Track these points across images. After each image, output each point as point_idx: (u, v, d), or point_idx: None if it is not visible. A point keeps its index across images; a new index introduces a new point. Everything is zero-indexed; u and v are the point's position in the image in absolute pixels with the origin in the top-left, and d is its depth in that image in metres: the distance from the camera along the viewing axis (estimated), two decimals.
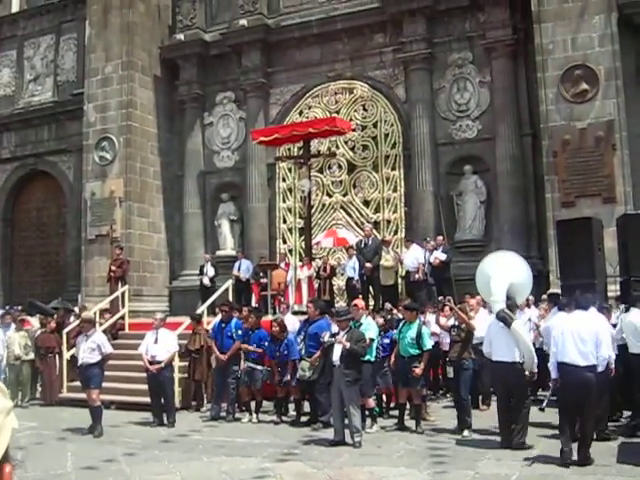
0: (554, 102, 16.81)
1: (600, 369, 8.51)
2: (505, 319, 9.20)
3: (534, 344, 13.40)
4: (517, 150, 18.59)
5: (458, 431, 10.41)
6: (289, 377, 11.94)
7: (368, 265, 16.30)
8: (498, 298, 9.91)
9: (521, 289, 10.49)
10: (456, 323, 11.22)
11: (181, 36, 22.91)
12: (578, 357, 8.35)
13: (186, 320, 14.90)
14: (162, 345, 12.17)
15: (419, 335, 10.89)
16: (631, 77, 17.31)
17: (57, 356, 15.20)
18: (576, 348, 8.38)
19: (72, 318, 16.53)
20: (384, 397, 12.54)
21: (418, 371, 10.69)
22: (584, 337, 8.39)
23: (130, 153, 21.65)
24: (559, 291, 13.53)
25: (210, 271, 19.53)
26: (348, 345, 9.89)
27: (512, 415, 9.37)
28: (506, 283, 10.04)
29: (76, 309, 17.77)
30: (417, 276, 16.18)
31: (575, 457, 8.32)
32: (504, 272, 10.32)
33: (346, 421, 9.96)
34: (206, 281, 19.56)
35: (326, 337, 10.42)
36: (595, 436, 8.94)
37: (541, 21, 17.08)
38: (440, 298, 11.47)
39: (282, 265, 18.12)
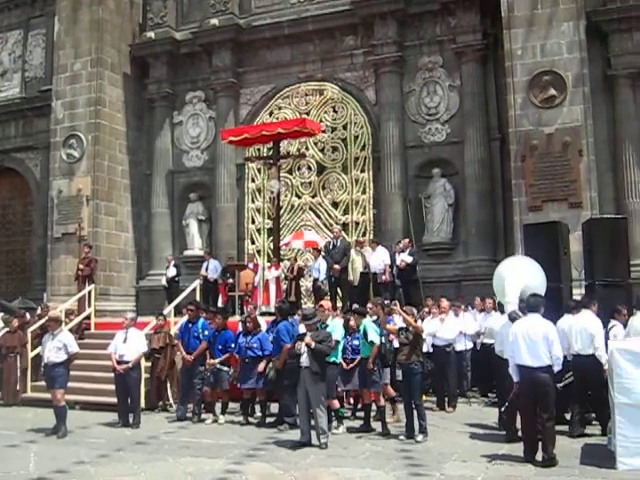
0: (522, 107, 16.96)
1: (556, 368, 8.64)
2: (515, 319, 9.29)
3: None
4: (485, 154, 18.74)
5: (407, 436, 10.21)
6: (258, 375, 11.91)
7: (336, 267, 16.30)
8: (511, 299, 10.07)
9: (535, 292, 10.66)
10: (404, 325, 11.13)
11: (151, 34, 22.79)
12: (530, 358, 8.53)
13: (153, 320, 14.81)
14: (131, 345, 12.06)
15: (365, 333, 10.96)
16: (598, 84, 17.55)
17: (18, 356, 14.95)
18: (527, 350, 8.56)
19: (35, 317, 16.34)
20: (351, 399, 12.54)
21: (368, 364, 10.77)
22: (534, 338, 8.56)
23: (98, 151, 21.46)
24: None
25: (170, 272, 19.40)
26: (313, 344, 9.87)
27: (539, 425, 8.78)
28: (520, 286, 10.21)
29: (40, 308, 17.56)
30: (384, 277, 16.21)
31: (539, 458, 8.46)
32: (518, 275, 10.51)
33: (312, 422, 9.94)
34: (163, 281, 19.58)
35: (302, 348, 10.21)
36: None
37: (511, 27, 17.23)
38: (387, 302, 11.43)
39: (250, 266, 18.07)
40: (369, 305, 12.49)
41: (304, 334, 10.39)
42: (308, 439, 9.84)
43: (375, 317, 11.90)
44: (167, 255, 20.97)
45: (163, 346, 13.58)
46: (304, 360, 9.98)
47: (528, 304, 9.15)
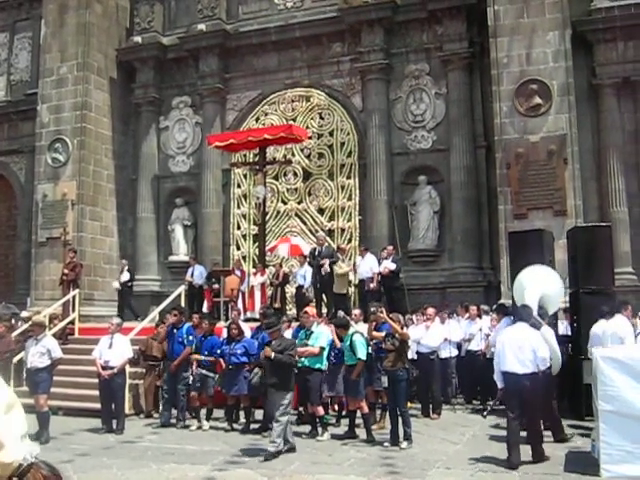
0: (508, 115, 17.04)
1: (542, 367, 8.91)
2: (535, 325, 9.43)
3: (485, 354, 13.65)
4: (471, 162, 18.81)
5: (391, 443, 10.19)
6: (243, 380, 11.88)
7: (323, 261, 16.06)
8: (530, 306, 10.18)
9: (553, 300, 10.91)
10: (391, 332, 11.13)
11: (138, 39, 22.75)
12: (517, 365, 8.80)
13: (137, 325, 14.78)
14: (116, 351, 12.02)
15: (352, 346, 10.95)
16: (583, 93, 17.67)
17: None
18: (515, 357, 8.84)
19: (20, 322, 16.22)
20: (336, 406, 12.53)
21: (352, 376, 10.78)
22: (521, 345, 8.86)
23: (84, 155, 21.38)
24: (509, 301, 13.74)
25: (124, 276, 19.26)
26: (273, 355, 9.79)
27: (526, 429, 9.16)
28: (538, 294, 10.41)
29: (24, 313, 17.45)
30: (372, 285, 16.18)
31: (524, 458, 8.67)
32: (538, 284, 10.66)
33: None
34: (116, 285, 19.41)
35: (272, 354, 10.14)
36: (553, 439, 9.61)
37: (497, 35, 17.32)
38: (372, 309, 11.39)
39: (237, 272, 18.04)
40: (355, 312, 12.48)
41: (270, 341, 10.32)
42: (292, 446, 9.84)
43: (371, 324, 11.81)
44: (123, 260, 20.70)
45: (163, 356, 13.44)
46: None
47: (517, 314, 9.46)
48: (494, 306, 14.72)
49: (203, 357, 12.30)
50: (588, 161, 17.65)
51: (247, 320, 15.40)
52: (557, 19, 16.94)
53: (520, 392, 8.77)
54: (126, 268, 19.56)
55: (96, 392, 12.30)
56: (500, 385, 9.12)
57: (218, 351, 12.36)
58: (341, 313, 14.18)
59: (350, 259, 18.42)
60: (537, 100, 16.78)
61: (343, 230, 20.02)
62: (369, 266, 16.36)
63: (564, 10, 16.98)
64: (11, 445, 1.38)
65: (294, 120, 20.64)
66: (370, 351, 11.16)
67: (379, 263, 16.38)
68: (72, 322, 17.31)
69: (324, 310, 16.03)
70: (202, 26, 21.80)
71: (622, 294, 14.21)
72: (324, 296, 16.81)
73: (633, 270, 17.20)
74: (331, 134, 20.60)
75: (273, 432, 9.67)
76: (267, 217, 18.86)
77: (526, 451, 8.86)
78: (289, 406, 9.97)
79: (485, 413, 10.43)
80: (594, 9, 17.95)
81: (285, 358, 9.87)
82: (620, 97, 17.89)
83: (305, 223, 20.54)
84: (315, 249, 17.13)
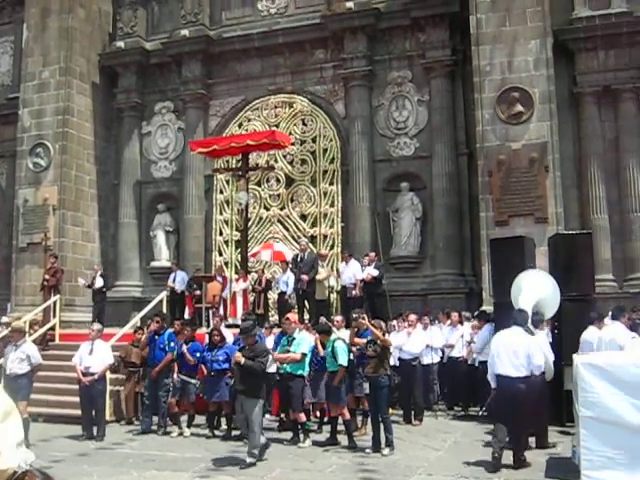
0: (490, 123, 17.13)
1: (537, 372, 9.13)
2: (527, 331, 9.54)
3: (466, 360, 13.70)
4: (453, 169, 18.89)
5: (373, 449, 10.20)
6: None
7: (304, 277, 16.20)
8: None
9: (550, 305, 11.01)
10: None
11: (121, 44, 22.70)
12: (511, 369, 9.01)
13: (119, 331, 14.71)
14: (97, 357, 11.95)
15: (333, 352, 10.95)
16: (564, 101, 17.81)
17: None
18: (509, 361, 9.04)
19: (1, 328, 16.10)
20: (317, 412, 12.52)
21: (334, 383, 10.80)
22: (516, 350, 9.05)
23: (65, 160, 21.28)
24: (490, 308, 13.80)
25: (98, 282, 19.01)
26: (243, 361, 9.69)
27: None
28: (534, 299, 10.51)
29: (4, 319, 17.33)
30: (354, 292, 16.16)
31: (504, 463, 8.78)
32: (534, 289, 10.76)
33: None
34: (82, 281, 19.16)
35: (242, 360, 10.07)
36: (536, 445, 9.77)
37: (479, 43, 17.41)
38: (354, 315, 11.40)
39: (219, 278, 18.00)
40: (337, 318, 12.47)
41: (243, 347, 10.24)
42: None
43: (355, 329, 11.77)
44: (95, 264, 20.38)
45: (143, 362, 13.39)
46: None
47: (513, 318, 9.54)
48: (476, 313, 14.79)
49: (190, 357, 12.26)
50: (569, 169, 17.77)
51: (229, 326, 15.36)
52: (539, 27, 17.05)
53: (514, 395, 8.93)
54: (99, 273, 19.27)
55: (77, 398, 12.22)
56: (493, 385, 9.38)
57: (197, 354, 12.34)
58: (323, 319, 14.18)
59: (330, 265, 18.42)
60: (519, 108, 16.87)
61: (325, 236, 20.02)
62: (352, 272, 16.36)
63: (545, 19, 17.09)
64: (6, 452, 1.38)
65: (277, 126, 20.64)
66: (352, 357, 11.16)
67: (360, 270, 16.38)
68: (53, 328, 17.19)
69: (306, 317, 16.02)
70: (185, 32, 21.78)
71: (603, 301, 14.32)
72: (306, 302, 16.79)
73: (613, 277, 17.33)
74: (314, 140, 20.62)
75: (249, 443, 9.61)
76: (249, 223, 18.86)
77: (507, 456, 8.90)
78: (261, 414, 9.88)
79: (480, 413, 10.62)
80: (575, 18, 18.11)
81: (255, 365, 9.71)
82: (601, 105, 18.04)
83: (287, 229, 20.53)
84: (297, 255, 17.12)
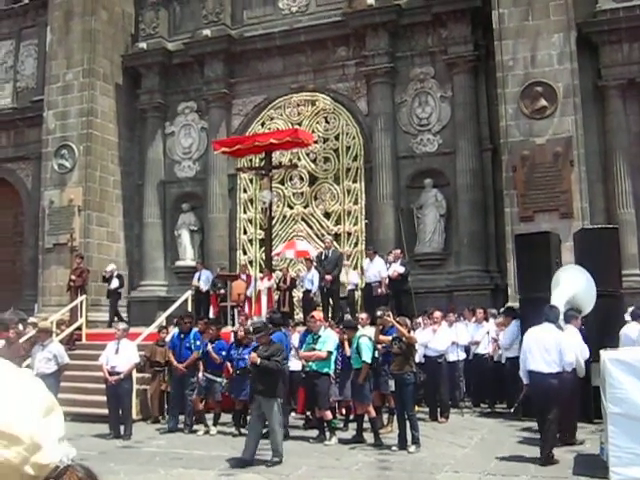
0: (514, 118, 17.02)
1: (568, 369, 9.14)
2: (558, 327, 9.60)
3: (492, 357, 13.63)
4: (477, 164, 18.79)
5: (399, 447, 10.18)
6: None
7: (328, 277, 16.26)
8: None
9: (586, 301, 10.98)
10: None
11: (144, 45, 22.80)
12: (543, 365, 9.07)
13: (145, 330, 14.80)
14: (123, 356, 12.02)
15: (358, 348, 10.94)
16: (588, 95, 17.64)
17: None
18: (541, 357, 9.12)
19: (28, 328, 16.22)
20: (343, 410, 12.51)
21: (360, 380, 10.78)
22: (548, 347, 9.12)
23: (90, 161, 21.44)
24: (516, 304, 13.71)
25: (114, 282, 19.21)
26: (259, 361, 9.65)
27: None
28: (568, 295, 10.56)
29: (31, 319, 17.48)
30: (380, 290, 16.11)
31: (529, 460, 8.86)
32: (569, 284, 10.76)
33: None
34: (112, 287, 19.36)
35: (258, 360, 9.89)
36: (561, 441, 9.65)
37: (502, 38, 17.30)
38: (379, 313, 11.39)
39: (243, 276, 18.04)
40: (362, 316, 12.45)
41: (257, 347, 10.21)
42: (250, 457, 9.50)
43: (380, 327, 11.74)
44: (110, 265, 20.28)
45: (168, 360, 13.44)
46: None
47: (544, 314, 9.60)
48: (502, 309, 14.70)
49: (210, 374, 12.35)
50: (594, 163, 17.61)
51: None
52: (562, 21, 16.92)
53: (546, 391, 8.99)
54: (115, 274, 19.45)
55: (103, 398, 12.31)
56: (525, 381, 9.46)
57: (223, 353, 12.38)
58: (347, 316, 14.22)
59: (355, 263, 18.45)
60: (542, 102, 16.75)
61: (349, 234, 20.00)
62: (377, 270, 16.32)
63: (569, 12, 16.96)
64: (48, 447, 1.41)
65: (300, 124, 20.64)
66: (377, 355, 11.14)
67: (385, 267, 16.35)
68: (79, 328, 17.34)
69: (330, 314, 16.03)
70: (207, 31, 21.84)
71: (630, 296, 14.17)
72: (331, 300, 16.80)
73: None
74: (337, 138, 20.60)
75: (272, 443, 9.54)
76: (273, 222, 18.86)
77: (534, 451, 8.86)
78: (279, 412, 9.79)
79: (512, 409, 11.08)
80: (599, 11, 17.93)
81: (272, 364, 9.67)
82: (626, 99, 17.85)
83: (311, 227, 20.53)
84: (322, 253, 17.13)
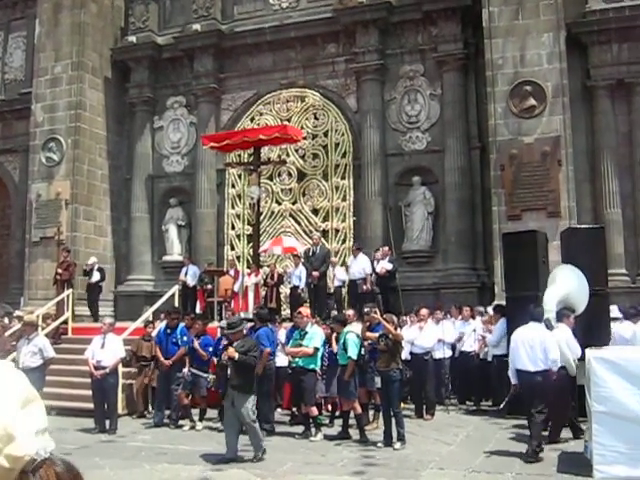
0: (502, 116, 17.07)
1: (553, 367, 9.28)
2: (547, 325, 9.73)
3: (478, 355, 13.68)
4: (465, 163, 18.82)
5: (384, 443, 10.21)
6: None
7: (315, 273, 16.28)
8: (548, 307, 10.36)
9: (579, 300, 11.02)
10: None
11: (133, 38, 22.72)
12: (529, 363, 9.32)
13: (131, 325, 14.77)
14: (109, 350, 11.99)
15: (345, 344, 10.96)
16: (577, 95, 17.71)
17: None
18: (527, 355, 9.35)
19: (14, 321, 16.18)
20: (329, 406, 12.53)
21: (344, 378, 10.81)
22: (533, 344, 9.33)
23: (78, 155, 21.36)
24: (503, 302, 13.75)
25: (94, 276, 19.12)
26: (237, 356, 9.54)
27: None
28: (560, 294, 10.60)
29: (17, 312, 17.43)
30: (365, 287, 16.15)
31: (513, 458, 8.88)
32: (562, 284, 10.80)
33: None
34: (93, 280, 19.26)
35: (236, 355, 9.70)
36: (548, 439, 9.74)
37: (492, 37, 17.34)
38: (366, 310, 11.43)
39: (231, 272, 18.02)
40: (349, 312, 12.47)
41: (231, 342, 10.07)
42: (233, 455, 9.47)
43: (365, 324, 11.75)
44: (91, 259, 20.07)
45: (154, 355, 13.41)
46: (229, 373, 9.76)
47: (530, 313, 9.79)
48: (492, 306, 14.72)
49: (196, 369, 12.31)
50: (582, 163, 17.68)
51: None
52: (551, 21, 16.97)
53: (532, 388, 9.19)
54: (96, 267, 19.32)
55: (89, 392, 12.28)
56: (514, 381, 9.62)
57: (210, 348, 12.37)
58: (334, 312, 14.24)
59: (342, 260, 18.47)
60: (531, 101, 16.81)
61: (337, 231, 20.00)
62: (362, 267, 16.35)
63: (559, 12, 17.00)
64: (23, 439, 1.39)
65: (289, 120, 20.62)
66: (363, 352, 11.15)
67: (373, 264, 16.36)
68: (65, 322, 17.27)
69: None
70: (197, 26, 21.78)
71: (615, 295, 14.25)
72: (317, 297, 16.81)
73: (626, 271, 17.24)
74: (326, 134, 20.59)
75: (252, 440, 9.48)
76: (261, 217, 18.87)
77: (520, 447, 8.90)
78: (253, 408, 9.67)
79: (502, 405, 11.20)
80: (589, 11, 17.99)
81: (249, 359, 9.61)
82: (614, 99, 17.92)
83: (299, 223, 20.52)
84: (309, 249, 17.14)
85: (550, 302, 10.28)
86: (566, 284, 10.80)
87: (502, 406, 11.32)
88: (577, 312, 11.02)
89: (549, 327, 9.61)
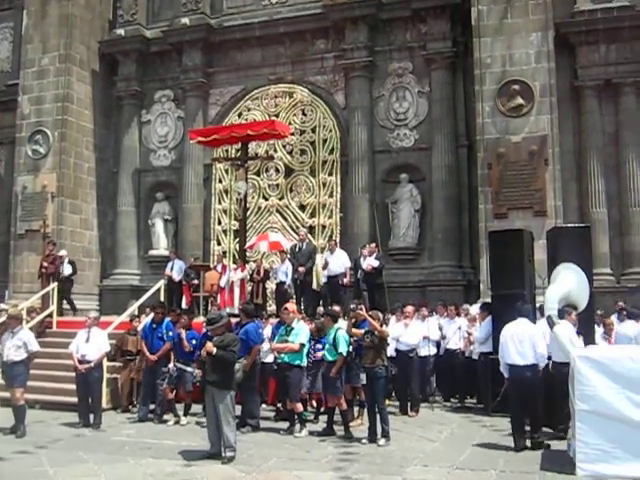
0: (490, 115, 17.11)
1: (541, 362, 9.77)
2: (549, 323, 9.76)
3: (463, 352, 13.73)
4: (453, 161, 18.86)
5: (369, 440, 10.23)
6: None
7: (301, 269, 16.26)
8: (550, 305, 10.28)
9: (581, 298, 11.00)
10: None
11: (121, 31, 22.62)
12: (518, 357, 9.66)
13: (117, 319, 14.72)
14: (93, 344, 11.92)
15: (335, 340, 10.96)
16: (565, 94, 17.79)
17: None
18: (516, 350, 9.69)
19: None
20: (314, 402, 12.53)
21: (331, 373, 10.83)
22: (521, 339, 9.70)
23: (64, 148, 21.26)
24: (488, 300, 13.80)
25: (66, 269, 18.71)
26: (215, 351, 9.37)
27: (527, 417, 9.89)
28: (562, 292, 10.56)
29: (1, 306, 17.32)
30: (345, 280, 16.21)
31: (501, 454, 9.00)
32: (563, 282, 10.75)
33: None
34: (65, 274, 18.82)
35: (214, 350, 9.47)
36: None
37: (480, 35, 17.37)
38: (352, 306, 11.45)
39: (218, 267, 17.97)
40: (335, 308, 12.47)
41: (210, 337, 9.90)
42: (218, 450, 9.34)
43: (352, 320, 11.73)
44: (61, 251, 19.38)
45: (140, 349, 13.36)
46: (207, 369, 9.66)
47: (517, 309, 10.18)
48: (479, 304, 14.74)
49: (187, 346, 12.25)
50: (569, 162, 17.75)
51: (230, 315, 15.33)
52: (540, 20, 17.02)
53: (522, 382, 9.58)
54: (67, 260, 18.96)
55: (73, 386, 12.21)
56: (506, 375, 9.94)
57: (194, 342, 12.32)
58: (320, 309, 14.23)
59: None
60: (519, 101, 16.86)
61: (324, 227, 19.99)
62: (341, 262, 16.37)
63: (547, 12, 17.06)
64: None
65: (277, 116, 20.60)
66: (349, 348, 11.16)
67: (360, 260, 16.34)
68: (50, 315, 17.19)
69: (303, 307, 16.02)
70: (186, 20, 21.70)
71: (600, 295, 14.32)
72: (303, 293, 16.78)
73: (611, 271, 17.33)
74: (313, 131, 20.57)
75: (226, 438, 9.23)
76: (248, 213, 18.89)
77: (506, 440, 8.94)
78: (232, 405, 9.47)
79: (498, 398, 11.39)
80: (577, 11, 18.05)
81: (227, 355, 9.42)
82: (601, 99, 18.00)
83: (286, 219, 20.50)
84: (296, 245, 17.12)
85: (552, 300, 10.29)
86: (567, 282, 10.82)
87: (495, 402, 11.66)
88: (579, 309, 11.05)
89: (551, 325, 9.62)
